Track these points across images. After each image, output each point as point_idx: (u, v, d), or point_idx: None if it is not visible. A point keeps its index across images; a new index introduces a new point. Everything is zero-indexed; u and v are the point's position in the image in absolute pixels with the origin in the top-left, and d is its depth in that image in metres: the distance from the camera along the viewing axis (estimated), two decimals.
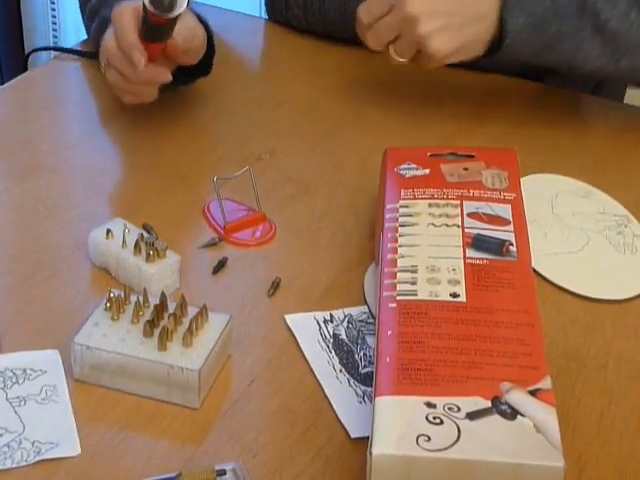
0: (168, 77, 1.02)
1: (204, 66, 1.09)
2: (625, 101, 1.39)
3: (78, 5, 1.22)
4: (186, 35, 1.01)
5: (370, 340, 0.83)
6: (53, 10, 2.59)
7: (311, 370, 0.81)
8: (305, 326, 0.85)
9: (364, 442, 0.67)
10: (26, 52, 2.65)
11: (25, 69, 1.82)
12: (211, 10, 1.37)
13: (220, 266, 0.91)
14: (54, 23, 2.61)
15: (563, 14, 1.06)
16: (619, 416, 0.78)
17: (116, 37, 0.99)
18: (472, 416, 0.66)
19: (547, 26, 1.06)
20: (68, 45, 1.24)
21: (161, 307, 0.79)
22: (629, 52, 1.08)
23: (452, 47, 1.06)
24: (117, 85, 1.03)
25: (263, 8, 1.39)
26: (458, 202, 0.88)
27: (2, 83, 2.57)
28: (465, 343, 0.72)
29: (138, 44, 0.97)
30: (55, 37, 2.63)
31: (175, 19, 0.96)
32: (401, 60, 1.08)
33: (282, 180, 1.04)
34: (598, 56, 1.08)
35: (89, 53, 1.20)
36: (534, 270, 0.91)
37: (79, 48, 1.24)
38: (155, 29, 0.97)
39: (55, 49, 1.82)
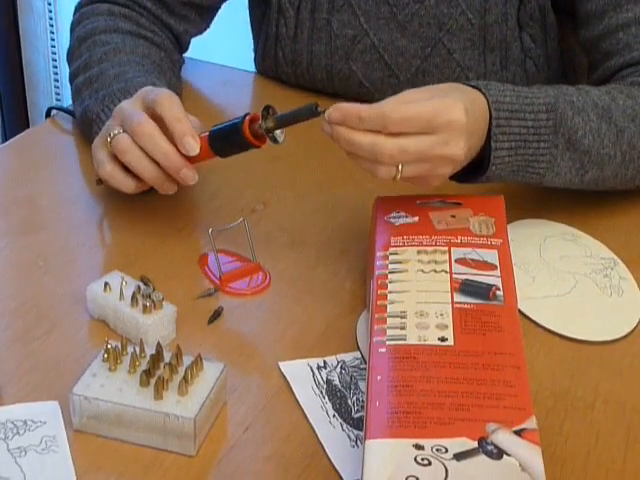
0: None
1: None
2: None
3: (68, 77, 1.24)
4: None
5: (362, 385, 0.85)
6: (55, 67, 2.63)
7: (305, 416, 0.82)
8: (299, 373, 0.86)
9: None
10: (29, 109, 2.69)
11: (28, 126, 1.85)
12: (205, 65, 1.41)
13: (216, 316, 0.93)
14: (56, 80, 2.65)
15: (542, 132, 0.98)
16: (605, 455, 0.80)
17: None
18: (459, 457, 0.68)
19: (527, 147, 0.98)
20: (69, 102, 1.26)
21: (157, 357, 0.81)
22: (595, 167, 1.03)
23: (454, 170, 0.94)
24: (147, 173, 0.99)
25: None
26: (446, 248, 0.90)
27: (6, 139, 2.61)
28: (452, 386, 0.74)
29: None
30: (57, 95, 2.66)
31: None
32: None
33: (276, 230, 1.06)
34: (567, 172, 1.02)
35: None
36: (523, 313, 0.93)
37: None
38: (239, 145, 0.97)
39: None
